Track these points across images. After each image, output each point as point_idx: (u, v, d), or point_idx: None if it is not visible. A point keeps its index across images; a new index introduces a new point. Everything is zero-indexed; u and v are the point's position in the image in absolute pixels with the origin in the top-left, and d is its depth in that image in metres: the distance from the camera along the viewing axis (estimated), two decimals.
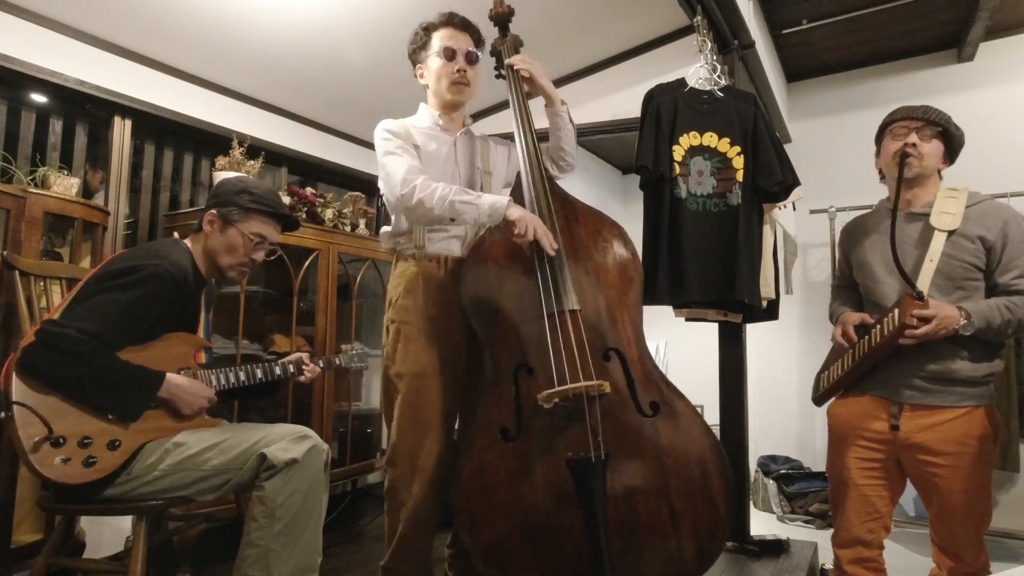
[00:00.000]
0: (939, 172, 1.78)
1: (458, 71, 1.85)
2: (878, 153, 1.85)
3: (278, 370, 1.83)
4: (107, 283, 1.52)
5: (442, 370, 1.80)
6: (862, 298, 1.87)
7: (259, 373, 1.79)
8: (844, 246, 1.95)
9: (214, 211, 1.72)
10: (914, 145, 1.71)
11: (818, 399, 1.95)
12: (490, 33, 2.00)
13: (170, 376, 1.56)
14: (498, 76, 2.00)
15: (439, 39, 1.87)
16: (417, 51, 1.92)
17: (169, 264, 1.57)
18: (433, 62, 1.87)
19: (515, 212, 1.67)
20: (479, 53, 1.92)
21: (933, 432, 1.63)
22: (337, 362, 2.04)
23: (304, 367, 1.87)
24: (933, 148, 1.72)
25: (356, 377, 3.49)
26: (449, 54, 1.85)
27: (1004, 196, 2.85)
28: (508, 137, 1.96)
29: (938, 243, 1.65)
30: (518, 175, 1.84)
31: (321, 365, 1.95)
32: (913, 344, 1.59)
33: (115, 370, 1.47)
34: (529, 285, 1.69)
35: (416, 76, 1.96)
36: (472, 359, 1.87)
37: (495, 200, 1.69)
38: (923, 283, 1.63)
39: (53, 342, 1.42)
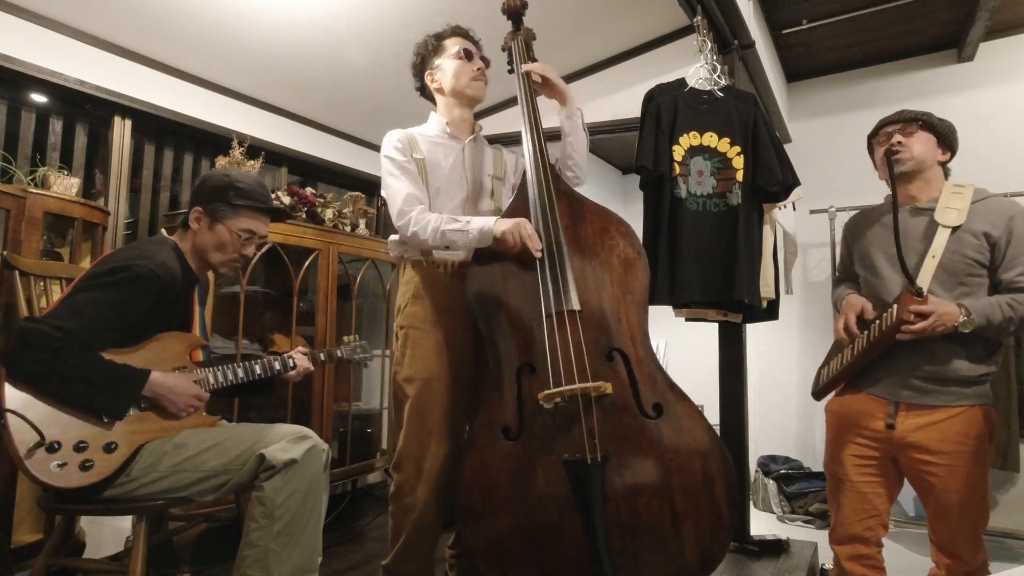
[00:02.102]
0: (943, 167, 1.78)
1: (477, 69, 1.91)
2: (876, 166, 1.86)
3: (277, 364, 1.83)
4: (91, 283, 1.51)
5: (450, 375, 1.81)
6: (862, 291, 1.86)
7: (257, 369, 1.79)
8: (848, 238, 1.94)
9: (200, 208, 1.70)
10: (899, 141, 1.74)
11: (817, 393, 1.95)
12: (502, 29, 2.01)
13: (155, 375, 1.54)
14: (510, 71, 2.00)
15: (453, 44, 1.93)
16: (428, 58, 1.96)
17: (155, 264, 1.55)
18: (450, 64, 1.91)
19: (500, 227, 1.69)
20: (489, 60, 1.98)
21: (929, 431, 1.63)
22: (339, 354, 2.04)
23: (296, 359, 1.87)
24: (921, 140, 1.74)
25: (356, 377, 3.49)
26: (468, 55, 1.91)
27: (1004, 196, 2.84)
28: (514, 136, 1.96)
29: (941, 239, 1.64)
30: (524, 173, 1.85)
31: (322, 358, 1.96)
32: (911, 340, 1.59)
33: (93, 368, 1.45)
34: (532, 285, 1.69)
35: (426, 83, 1.98)
36: (480, 363, 1.88)
37: (483, 224, 1.71)
38: (924, 279, 1.63)
39: (27, 338, 1.40)
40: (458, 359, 1.83)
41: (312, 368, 1.91)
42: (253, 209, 1.73)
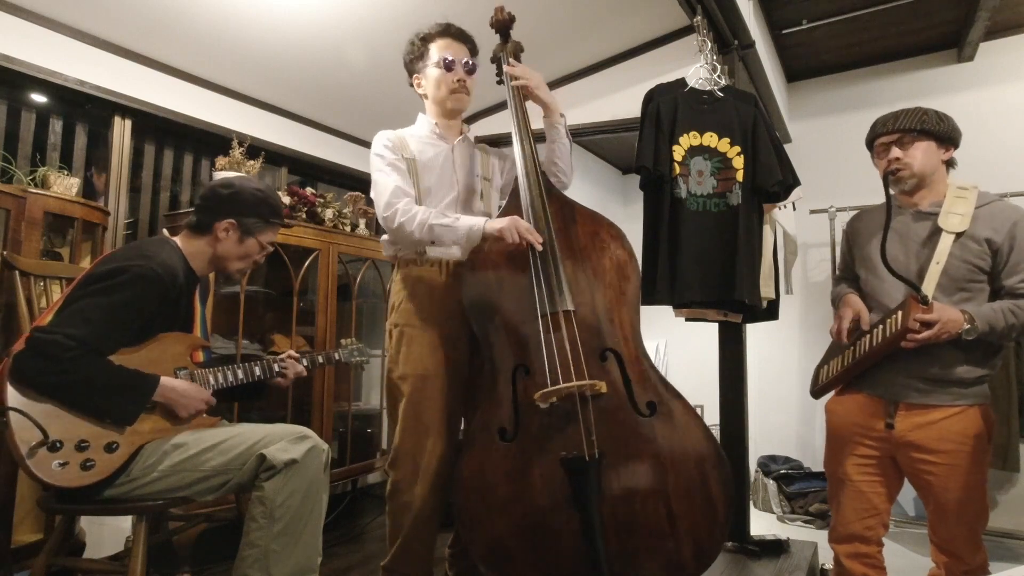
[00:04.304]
0: (948, 165, 1.75)
1: (457, 80, 1.89)
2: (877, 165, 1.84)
3: (276, 367, 1.83)
4: (93, 286, 1.50)
5: (445, 372, 1.81)
6: (863, 292, 1.86)
7: (257, 370, 1.79)
8: (849, 237, 1.94)
9: (234, 220, 1.71)
10: (897, 159, 1.70)
11: (816, 392, 1.95)
12: (491, 40, 2.00)
13: (165, 380, 1.55)
14: (499, 82, 2.01)
15: (437, 50, 1.89)
16: (414, 61, 1.94)
17: (156, 264, 1.55)
18: (432, 72, 1.90)
19: (494, 225, 1.70)
20: (476, 63, 1.95)
21: (927, 430, 1.63)
22: (336, 356, 2.04)
23: (283, 364, 1.85)
24: (921, 151, 1.70)
25: (356, 377, 3.49)
26: (448, 64, 1.88)
27: (1004, 196, 2.84)
28: (505, 138, 1.97)
29: (945, 245, 1.63)
30: (516, 179, 1.86)
31: (320, 360, 1.96)
32: (914, 347, 1.59)
33: (107, 375, 1.46)
34: (526, 287, 1.70)
35: (413, 85, 1.98)
36: (475, 362, 1.88)
37: (472, 223, 1.72)
38: (928, 286, 1.62)
39: (42, 349, 1.41)
40: (453, 357, 1.84)
41: (304, 373, 1.90)
42: (279, 225, 1.80)
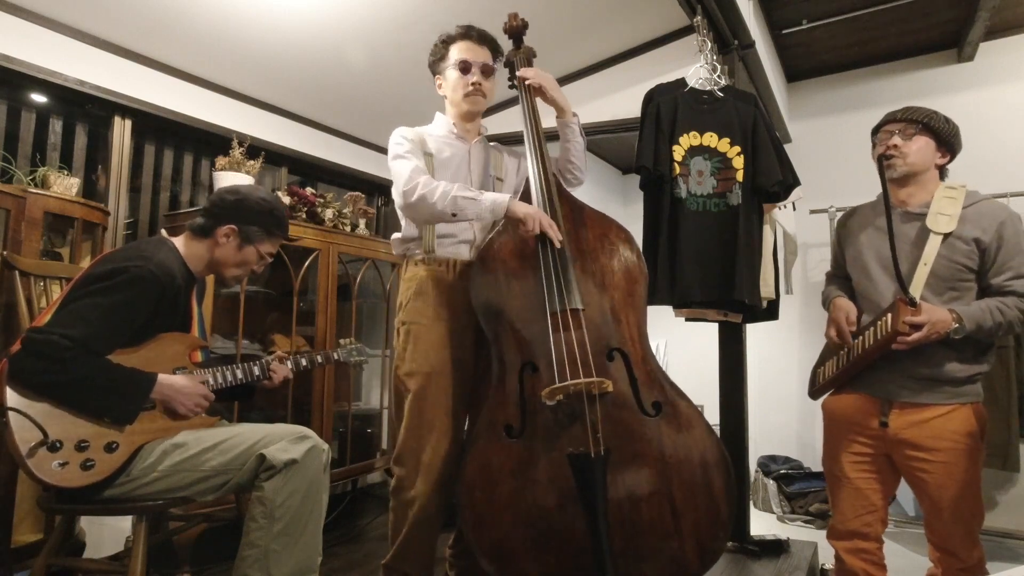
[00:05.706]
0: (940, 169, 1.77)
1: (472, 83, 1.90)
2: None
3: (258, 369, 1.82)
4: (91, 286, 1.50)
5: (451, 370, 1.82)
6: (855, 292, 1.87)
7: (256, 370, 1.79)
8: (840, 236, 1.95)
9: (235, 226, 1.71)
10: (895, 146, 1.72)
11: (814, 393, 1.97)
12: (505, 45, 2.02)
13: (163, 377, 1.55)
14: (511, 87, 2.02)
15: (456, 52, 1.92)
16: (436, 62, 1.97)
17: (154, 265, 1.55)
18: (450, 74, 1.93)
19: (519, 208, 1.70)
20: (495, 66, 1.96)
21: (920, 429, 1.64)
22: (335, 356, 2.04)
23: (273, 365, 1.85)
24: (919, 144, 1.72)
25: (356, 377, 3.49)
26: (465, 67, 1.90)
27: (1004, 196, 2.85)
28: (515, 136, 1.98)
29: (933, 246, 1.65)
30: (527, 180, 1.88)
31: (319, 359, 1.97)
32: (905, 349, 1.60)
33: (104, 374, 1.46)
34: (535, 284, 1.72)
35: (436, 86, 2.01)
36: (481, 361, 1.89)
37: (496, 197, 1.73)
38: (916, 287, 1.64)
39: (38, 349, 1.41)
40: (459, 355, 1.84)
41: (290, 375, 1.89)
42: (282, 237, 1.80)
